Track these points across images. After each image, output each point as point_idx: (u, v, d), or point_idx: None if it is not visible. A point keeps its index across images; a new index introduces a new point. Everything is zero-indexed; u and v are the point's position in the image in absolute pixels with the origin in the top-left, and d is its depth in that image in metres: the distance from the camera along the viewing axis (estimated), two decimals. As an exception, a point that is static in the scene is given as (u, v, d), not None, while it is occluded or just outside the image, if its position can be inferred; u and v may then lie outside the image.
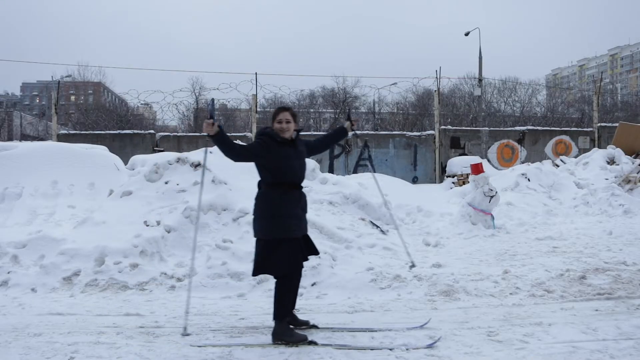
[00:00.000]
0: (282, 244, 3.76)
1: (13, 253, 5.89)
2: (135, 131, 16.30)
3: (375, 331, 3.96)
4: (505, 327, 4.09)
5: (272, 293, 5.17)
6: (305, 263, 5.56)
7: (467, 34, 26.59)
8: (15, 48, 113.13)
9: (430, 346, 3.66)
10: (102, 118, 27.12)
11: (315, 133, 20.33)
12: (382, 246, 6.67)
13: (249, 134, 15.51)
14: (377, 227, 7.59)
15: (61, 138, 14.48)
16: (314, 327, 4.04)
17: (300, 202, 3.90)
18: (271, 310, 4.71)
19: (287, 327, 3.83)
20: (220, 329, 4.18)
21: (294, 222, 3.82)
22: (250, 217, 6.32)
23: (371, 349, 3.63)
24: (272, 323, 4.30)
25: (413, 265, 5.28)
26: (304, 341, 3.71)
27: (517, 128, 17.40)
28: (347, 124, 4.47)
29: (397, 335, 3.88)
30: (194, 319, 4.47)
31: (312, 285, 5.26)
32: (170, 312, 4.66)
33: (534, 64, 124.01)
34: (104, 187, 8.56)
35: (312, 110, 32.88)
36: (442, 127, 16.08)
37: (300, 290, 5.19)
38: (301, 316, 4.52)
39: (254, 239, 3.91)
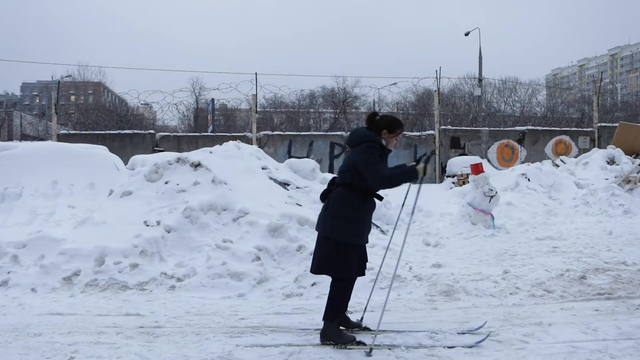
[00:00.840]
0: (352, 249, 3.77)
1: (13, 253, 5.89)
2: (135, 131, 16.32)
3: (426, 332, 3.93)
4: (506, 327, 4.09)
5: (273, 293, 5.21)
6: (305, 263, 5.61)
7: (467, 34, 26.61)
8: (15, 48, 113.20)
9: (478, 343, 3.70)
10: (102, 118, 27.16)
11: (315, 133, 20.34)
12: (382, 246, 6.66)
13: (249, 134, 15.51)
14: (377, 227, 7.58)
15: (61, 138, 14.50)
16: (367, 329, 4.00)
17: (373, 212, 3.93)
18: (271, 310, 4.73)
19: (337, 328, 3.81)
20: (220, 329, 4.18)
21: (366, 230, 3.86)
22: (250, 217, 6.35)
23: (425, 347, 3.65)
24: (271, 323, 4.32)
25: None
26: (352, 342, 3.70)
27: (517, 128, 17.42)
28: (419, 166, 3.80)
29: (447, 337, 3.87)
30: (193, 319, 4.48)
31: (312, 285, 5.26)
32: (170, 312, 4.66)
33: (534, 64, 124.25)
34: (104, 187, 8.57)
35: (312, 110, 32.91)
36: (442, 127, 16.10)
37: (300, 290, 5.22)
38: (301, 317, 4.53)
39: (316, 235, 3.91)
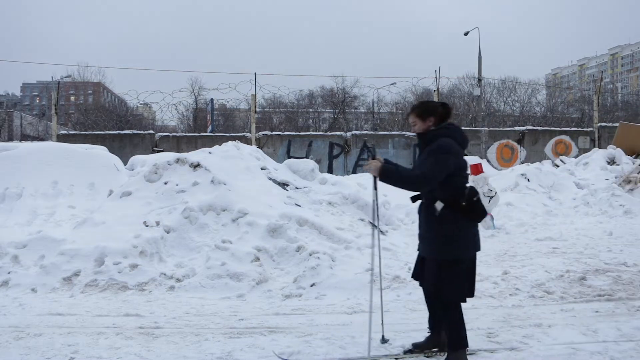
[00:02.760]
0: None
1: (13, 253, 5.89)
2: (135, 131, 16.32)
3: None
4: (505, 329, 4.09)
5: (272, 294, 5.21)
6: (305, 263, 5.60)
7: (466, 34, 26.62)
8: (15, 48, 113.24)
9: None
10: (102, 118, 27.19)
11: (314, 133, 20.34)
12: (382, 247, 6.65)
13: (248, 134, 15.51)
14: (376, 227, 7.57)
15: (61, 138, 14.48)
16: None
17: None
18: (271, 310, 4.73)
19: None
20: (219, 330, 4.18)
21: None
22: (250, 218, 6.35)
23: None
24: (271, 323, 4.31)
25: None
26: None
27: (517, 128, 17.41)
28: None
29: None
30: (193, 319, 4.48)
31: (312, 286, 5.25)
32: (170, 313, 4.66)
33: (534, 63, 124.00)
34: (104, 187, 8.57)
35: (311, 110, 32.94)
36: (442, 127, 16.08)
37: (299, 291, 5.21)
38: (300, 318, 4.52)
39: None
